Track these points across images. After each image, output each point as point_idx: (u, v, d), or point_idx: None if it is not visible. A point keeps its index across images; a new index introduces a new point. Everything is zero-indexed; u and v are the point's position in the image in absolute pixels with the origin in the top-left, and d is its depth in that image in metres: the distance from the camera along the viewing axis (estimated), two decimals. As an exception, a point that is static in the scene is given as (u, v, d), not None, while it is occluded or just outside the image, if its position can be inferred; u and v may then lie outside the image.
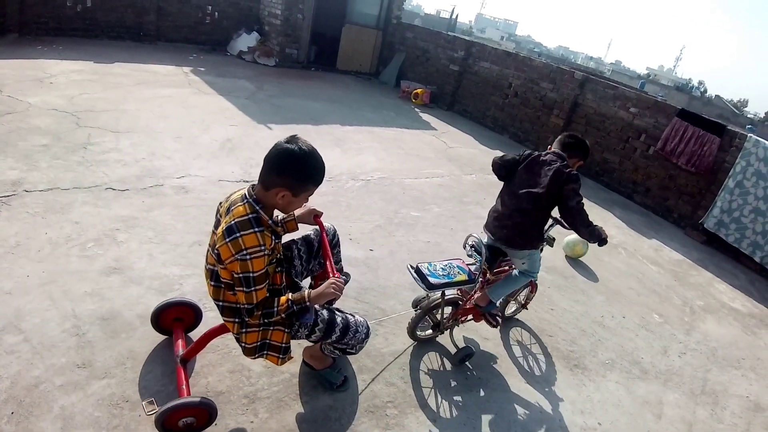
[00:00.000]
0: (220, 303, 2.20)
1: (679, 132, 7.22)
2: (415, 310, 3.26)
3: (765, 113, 58.55)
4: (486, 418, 2.85)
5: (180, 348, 2.59)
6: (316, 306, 2.28)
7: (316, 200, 2.18)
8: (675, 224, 7.37)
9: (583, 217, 2.97)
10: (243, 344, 2.25)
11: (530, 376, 3.30)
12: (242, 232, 1.93)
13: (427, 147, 7.83)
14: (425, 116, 10.06)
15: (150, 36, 10.66)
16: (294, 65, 11.71)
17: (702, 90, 62.53)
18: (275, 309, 2.09)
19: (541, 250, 3.52)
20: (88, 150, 4.81)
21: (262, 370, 2.74)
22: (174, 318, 2.76)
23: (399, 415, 2.70)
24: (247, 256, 1.93)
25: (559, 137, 3.26)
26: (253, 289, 2.00)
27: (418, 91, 11.01)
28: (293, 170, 1.99)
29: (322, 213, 2.56)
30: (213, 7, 11.44)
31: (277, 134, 6.55)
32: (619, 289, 4.85)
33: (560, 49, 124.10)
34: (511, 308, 3.84)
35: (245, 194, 2.06)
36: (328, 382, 2.72)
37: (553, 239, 3.51)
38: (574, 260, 5.15)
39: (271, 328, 2.23)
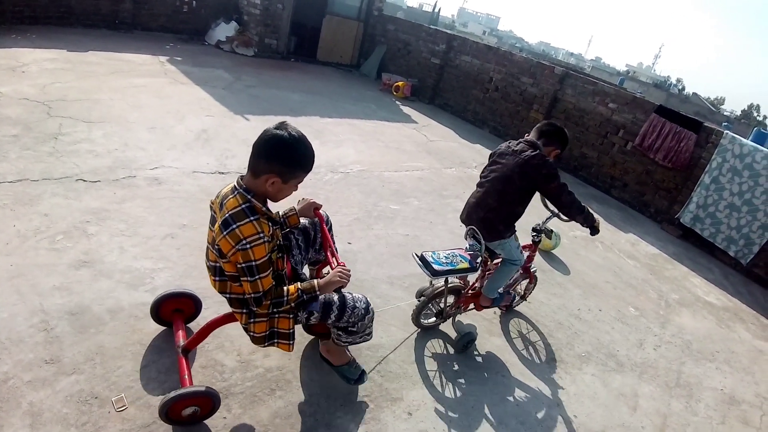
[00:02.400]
0: (228, 295, 2.20)
1: (657, 128, 7.31)
2: (419, 299, 3.31)
3: (741, 111, 59.63)
4: (461, 411, 2.84)
5: (181, 339, 2.57)
6: None
7: (293, 193, 2.16)
8: (651, 219, 7.47)
9: (576, 206, 3.05)
10: (252, 334, 2.25)
11: (506, 369, 3.30)
12: (238, 223, 1.93)
13: (407, 140, 7.80)
14: (406, 109, 10.03)
15: (126, 24, 10.41)
16: (273, 56, 11.57)
17: (680, 87, 63.34)
18: (285, 298, 2.11)
19: (539, 242, 3.57)
20: (59, 140, 4.67)
21: (236, 365, 2.69)
22: (174, 309, 2.74)
23: (375, 409, 2.67)
24: (247, 245, 1.93)
25: (538, 125, 3.24)
26: (257, 277, 2.00)
27: (399, 83, 10.96)
28: (282, 156, 1.99)
29: (322, 205, 2.58)
30: (191, -5, 11.22)
31: (254, 125, 6.46)
32: (596, 282, 4.89)
33: (541, 44, 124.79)
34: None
35: (234, 186, 2.06)
36: (345, 377, 2.69)
37: (551, 231, 3.55)
38: (552, 255, 5.17)
39: (277, 316, 2.24)
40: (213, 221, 2.13)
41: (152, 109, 6.11)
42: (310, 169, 2.11)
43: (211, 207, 2.19)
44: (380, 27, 12.69)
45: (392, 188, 5.67)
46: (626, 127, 7.83)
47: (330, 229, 2.76)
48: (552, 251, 5.19)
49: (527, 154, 3.01)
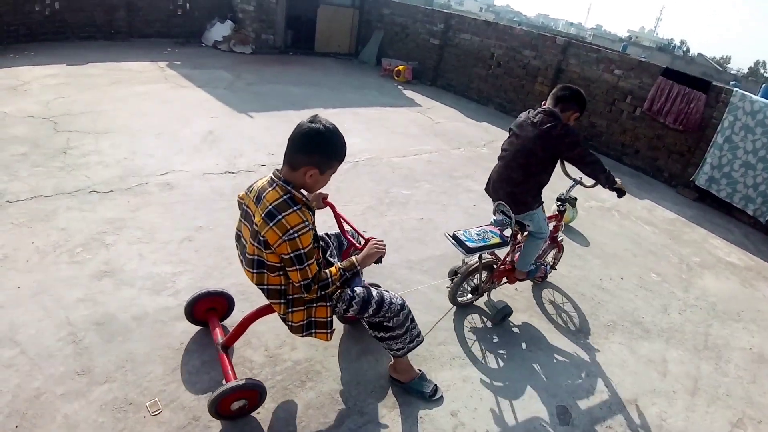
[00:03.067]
0: (265, 287, 2.22)
1: (665, 91, 7.19)
2: (452, 279, 3.34)
3: (748, 69, 58.63)
4: (491, 389, 2.84)
5: (219, 336, 2.61)
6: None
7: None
8: (666, 183, 7.38)
9: (599, 165, 3.11)
10: (290, 323, 2.27)
11: (533, 344, 3.30)
12: (283, 214, 1.96)
13: (412, 124, 7.75)
14: (409, 93, 9.96)
15: (122, 33, 10.41)
16: (271, 51, 11.52)
17: (684, 49, 62.32)
18: (330, 279, 2.13)
19: (564, 211, 3.59)
20: (68, 154, 4.70)
21: (264, 360, 2.71)
22: (207, 308, 2.78)
23: (405, 393, 2.68)
24: (295, 234, 1.96)
25: (553, 90, 3.19)
26: (306, 264, 2.03)
27: (400, 68, 10.87)
28: (320, 148, 2.05)
29: (328, 194, 2.59)
30: (184, -1, 11.17)
31: (259, 122, 6.46)
32: (615, 251, 4.85)
33: (540, 17, 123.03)
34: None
35: (272, 178, 2.09)
36: (419, 393, 2.67)
37: (575, 199, 3.54)
38: (569, 227, 5.13)
39: (314, 304, 2.26)
40: (246, 216, 2.15)
41: (156, 115, 6.12)
42: (344, 159, 2.15)
43: (241, 202, 2.22)
44: (375, 12, 12.56)
45: (402, 173, 5.65)
46: (633, 92, 7.71)
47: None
48: (569, 224, 5.15)
49: (547, 126, 3.00)
